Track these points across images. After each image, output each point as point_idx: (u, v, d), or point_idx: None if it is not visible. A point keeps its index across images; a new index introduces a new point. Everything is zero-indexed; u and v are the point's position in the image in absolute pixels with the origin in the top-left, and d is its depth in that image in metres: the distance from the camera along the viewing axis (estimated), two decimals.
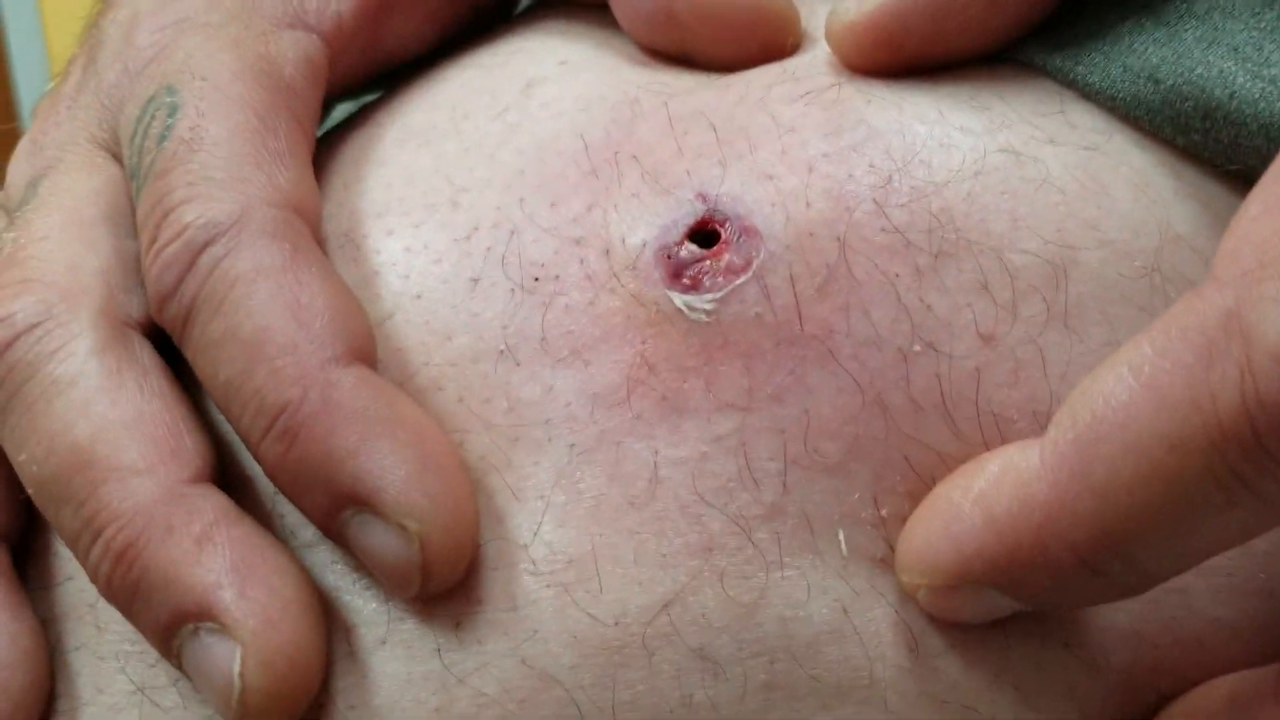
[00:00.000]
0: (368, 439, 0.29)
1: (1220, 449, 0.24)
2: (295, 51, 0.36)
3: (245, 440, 0.31)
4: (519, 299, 0.33)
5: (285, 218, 0.32)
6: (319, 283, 0.31)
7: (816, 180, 0.32)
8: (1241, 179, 0.31)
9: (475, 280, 0.33)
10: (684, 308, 0.31)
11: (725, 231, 0.32)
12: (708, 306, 0.31)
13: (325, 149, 0.39)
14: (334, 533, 0.30)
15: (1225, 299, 0.24)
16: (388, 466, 0.29)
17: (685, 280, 0.32)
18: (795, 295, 0.31)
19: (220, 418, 0.33)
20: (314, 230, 0.34)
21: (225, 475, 0.34)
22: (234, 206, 0.32)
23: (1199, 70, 0.31)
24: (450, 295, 0.34)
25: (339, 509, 0.30)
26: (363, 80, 0.42)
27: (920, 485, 0.30)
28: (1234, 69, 0.30)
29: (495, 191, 0.35)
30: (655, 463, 0.31)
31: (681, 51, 0.38)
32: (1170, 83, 0.31)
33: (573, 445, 0.31)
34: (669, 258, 0.32)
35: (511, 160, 0.35)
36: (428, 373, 0.33)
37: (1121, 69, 0.32)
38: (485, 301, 0.33)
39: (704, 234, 0.32)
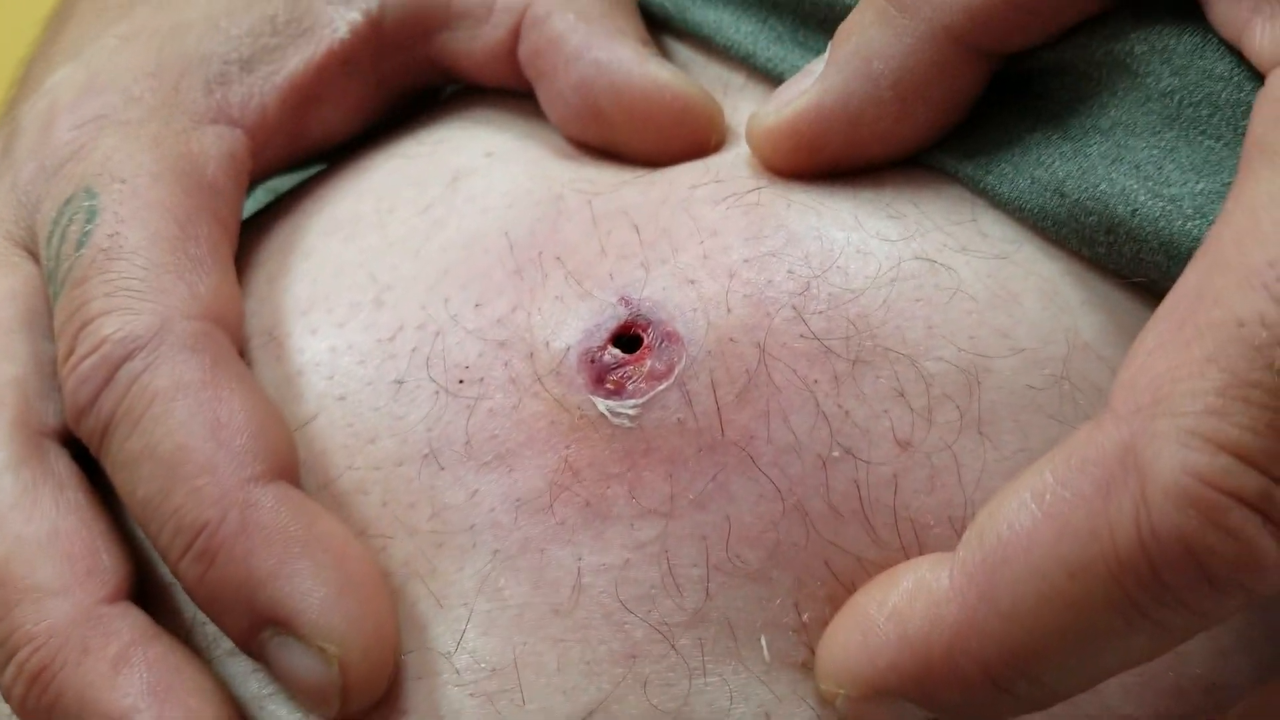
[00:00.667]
0: (286, 560, 0.29)
1: (1118, 578, 0.25)
2: (218, 148, 0.36)
3: (164, 557, 0.31)
4: (443, 402, 0.33)
5: (205, 330, 0.32)
6: (239, 398, 0.31)
7: (737, 286, 0.33)
8: (1146, 290, 0.32)
9: (399, 382, 0.33)
10: (607, 413, 0.32)
11: (648, 336, 0.32)
12: (631, 412, 0.32)
13: (249, 236, 0.39)
14: (253, 651, 0.30)
15: (1122, 433, 0.25)
16: (306, 589, 0.29)
17: (609, 385, 0.32)
18: (716, 401, 0.31)
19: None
20: (235, 339, 0.34)
21: (146, 582, 0.33)
22: (153, 319, 0.32)
23: (1103, 186, 0.32)
24: (374, 397, 0.33)
25: (258, 629, 0.29)
26: (286, 168, 0.42)
27: (840, 590, 0.31)
28: (1135, 187, 0.31)
29: (420, 290, 0.35)
30: (579, 569, 0.31)
31: (607, 145, 0.38)
32: (1075, 197, 0.32)
33: (497, 551, 0.31)
34: (592, 362, 0.32)
35: (437, 258, 0.35)
36: (351, 476, 0.33)
37: (1029, 181, 0.33)
38: (410, 404, 0.33)
39: (627, 338, 0.33)
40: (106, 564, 0.31)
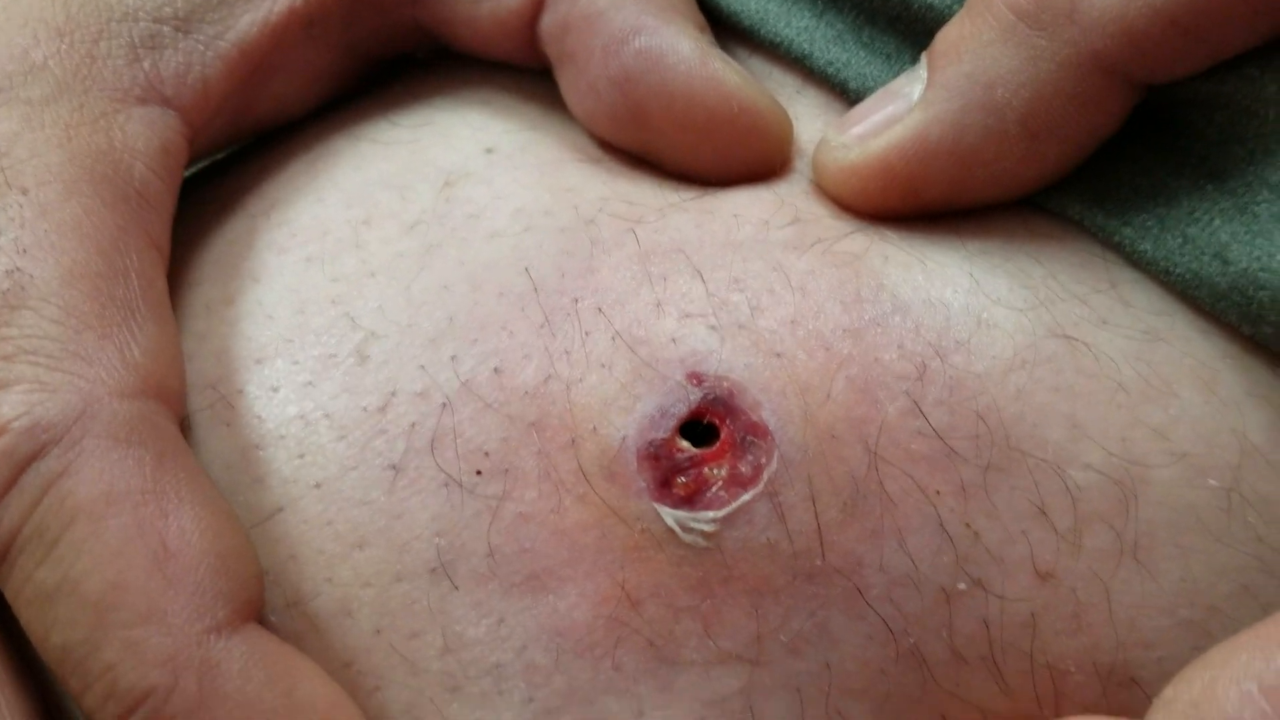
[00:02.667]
0: None
1: None
2: (147, 141, 0.27)
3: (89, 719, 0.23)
4: (456, 499, 0.25)
5: (143, 412, 0.24)
6: (192, 513, 0.23)
7: (837, 364, 0.26)
8: None
9: (395, 469, 0.26)
10: (677, 528, 0.25)
11: (727, 428, 0.25)
12: (708, 528, 0.25)
13: (176, 238, 0.30)
14: None
15: None
16: None
17: (678, 491, 0.25)
18: (816, 517, 0.25)
19: None
20: (179, 414, 0.26)
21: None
22: (72, 399, 0.23)
23: None
24: (361, 487, 0.26)
25: None
26: (223, 150, 0.33)
27: None
28: None
29: (417, 343, 0.27)
30: None
31: (645, 152, 0.31)
32: (1243, 265, 0.26)
33: (531, 700, 0.24)
34: (657, 459, 0.25)
35: (435, 299, 0.28)
36: (331, 594, 0.25)
37: (1180, 240, 0.27)
38: (410, 499, 0.26)
39: (699, 427, 0.26)
40: None
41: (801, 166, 0.31)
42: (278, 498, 0.26)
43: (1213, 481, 0.26)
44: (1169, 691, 0.22)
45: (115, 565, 0.23)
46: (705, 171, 0.30)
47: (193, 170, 0.35)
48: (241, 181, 0.33)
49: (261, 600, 0.24)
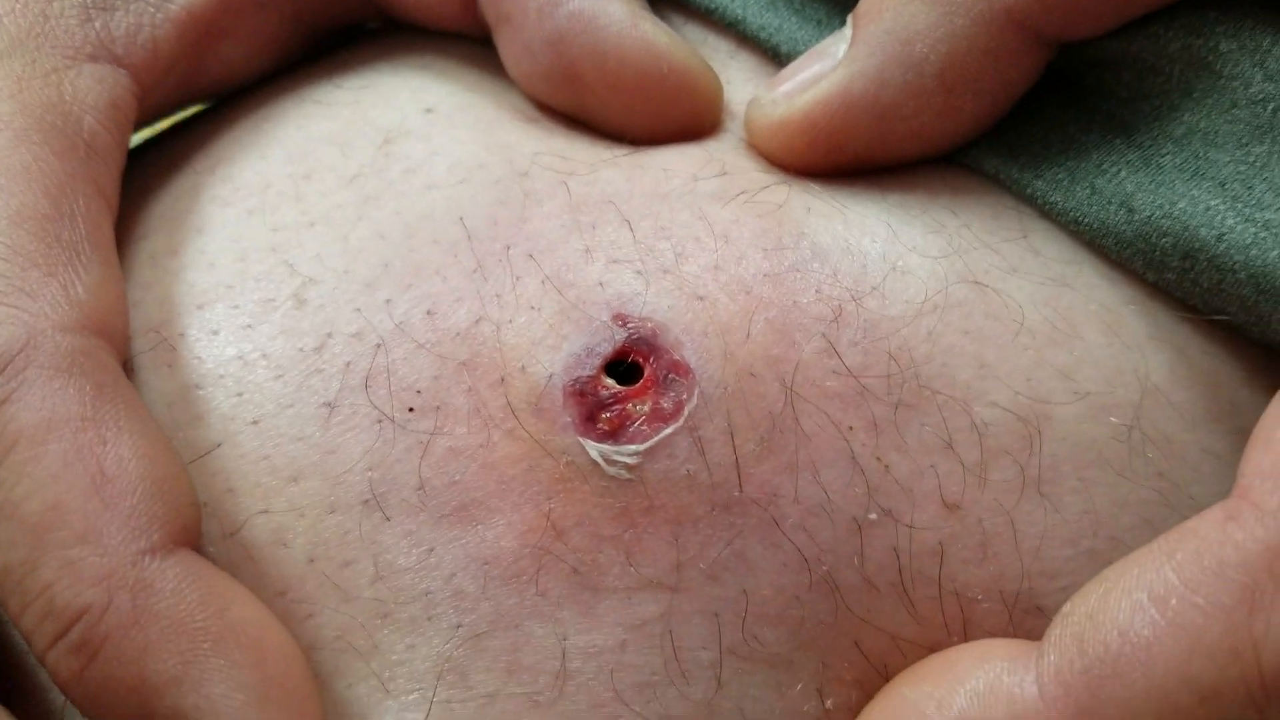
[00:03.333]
0: (194, 660, 0.23)
1: (1260, 704, 0.21)
2: (97, 96, 0.28)
3: (27, 640, 0.24)
4: (389, 435, 0.26)
5: (84, 347, 0.25)
6: (129, 440, 0.24)
7: (757, 306, 0.27)
8: (1219, 325, 0.28)
9: (330, 406, 0.27)
10: (601, 461, 0.26)
11: (650, 366, 0.27)
12: (630, 460, 0.26)
13: (124, 194, 0.31)
14: None
15: (1269, 533, 0.21)
16: (218, 696, 0.23)
17: (602, 426, 0.26)
18: (735, 450, 0.26)
19: None
20: (120, 354, 0.26)
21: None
22: (17, 331, 0.24)
23: (1181, 204, 0.27)
24: (297, 424, 0.27)
25: None
26: (172, 111, 0.34)
27: (871, 674, 0.26)
28: (1221, 207, 0.27)
29: (353, 288, 0.28)
30: (564, 651, 0.25)
31: (578, 113, 0.32)
32: (1147, 214, 0.28)
33: (459, 626, 0.25)
34: (582, 395, 0.26)
35: (372, 246, 0.29)
36: (266, 524, 0.26)
37: (1089, 190, 0.29)
38: (345, 435, 0.27)
39: (623, 366, 0.27)
40: None
41: (733, 128, 0.32)
42: (216, 434, 0.27)
43: (1114, 419, 0.27)
44: (1067, 606, 0.23)
45: (54, 488, 0.23)
46: (637, 131, 0.31)
47: (144, 138, 0.36)
48: (188, 141, 0.34)
49: (197, 528, 0.25)
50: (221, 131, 0.33)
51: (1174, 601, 0.21)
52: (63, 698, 0.26)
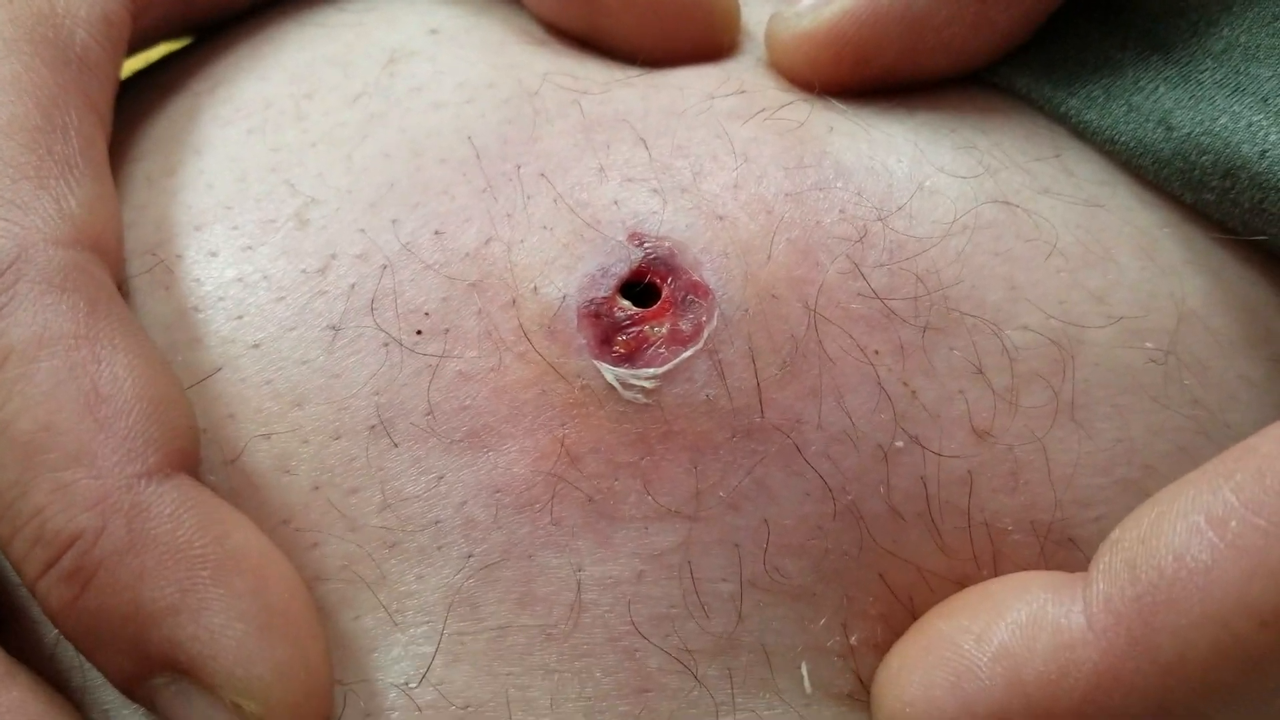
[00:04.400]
0: (191, 589, 0.22)
1: None
2: (89, 9, 0.27)
3: (17, 569, 0.23)
4: (396, 359, 0.25)
5: (78, 262, 0.24)
6: (125, 359, 0.23)
7: (778, 226, 0.26)
8: (1254, 248, 0.27)
9: (334, 329, 0.26)
10: (617, 384, 0.25)
11: (668, 287, 0.25)
12: (647, 384, 0.25)
13: (118, 120, 0.30)
14: (140, 698, 0.23)
15: None
16: (217, 627, 0.22)
17: (618, 349, 0.25)
18: (756, 374, 0.25)
19: None
20: (115, 271, 0.25)
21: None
22: (7, 244, 0.23)
23: (1222, 120, 0.26)
24: (301, 347, 0.26)
25: (148, 674, 0.22)
26: (168, 36, 0.33)
27: (897, 608, 0.25)
28: (1265, 123, 0.26)
29: (357, 208, 0.27)
30: (579, 583, 0.24)
31: (590, 33, 0.30)
32: (1186, 130, 0.26)
33: (470, 556, 0.24)
34: (597, 317, 0.25)
35: (376, 165, 0.28)
36: (268, 449, 0.25)
37: (1125, 108, 0.27)
38: (350, 359, 0.26)
39: (639, 288, 0.26)
40: None
41: (750, 49, 0.31)
42: (216, 357, 0.26)
43: (1149, 344, 0.26)
44: (1116, 533, 0.22)
45: (46, 407, 0.22)
46: (651, 50, 0.30)
47: (137, 70, 0.34)
48: (185, 66, 0.32)
49: (196, 453, 0.24)
50: (219, 55, 0.32)
51: (1233, 523, 0.20)
52: (55, 631, 0.25)
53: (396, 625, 0.24)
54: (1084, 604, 0.22)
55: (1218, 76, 0.27)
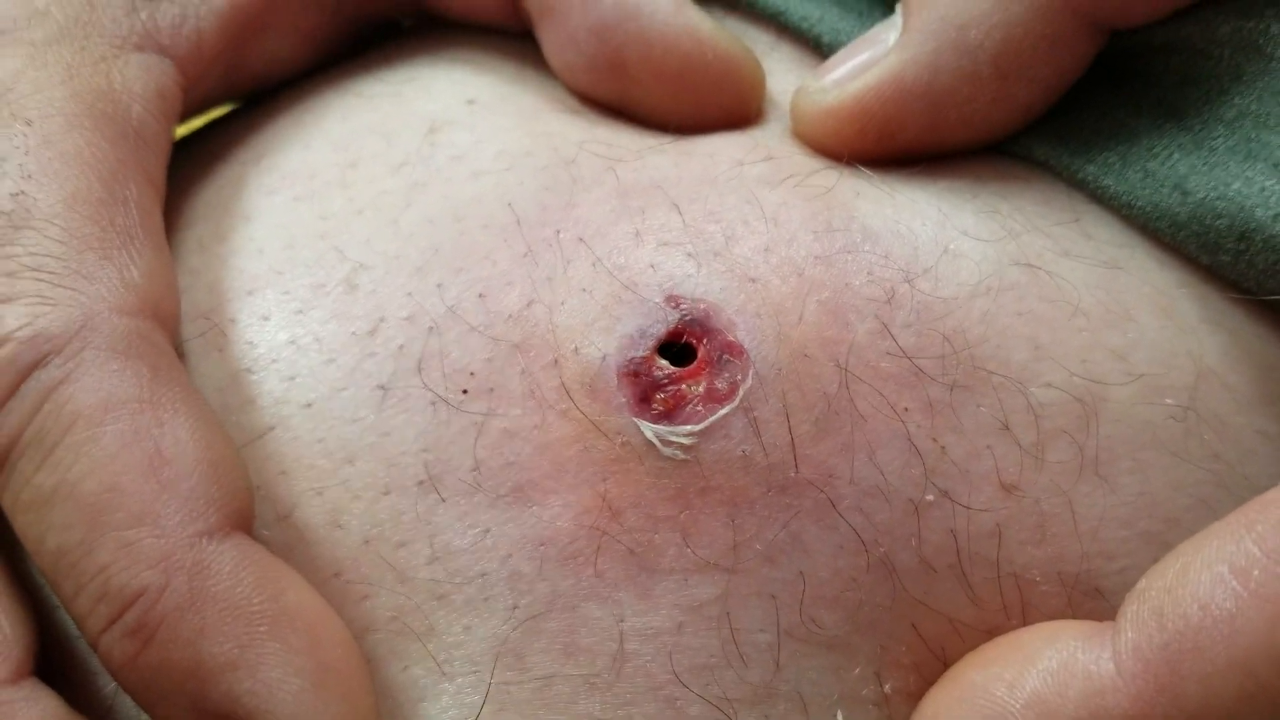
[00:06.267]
0: (250, 644, 0.23)
1: None
2: (145, 85, 0.28)
3: (80, 626, 0.24)
4: (443, 417, 0.26)
5: (140, 329, 0.25)
6: (186, 423, 0.24)
7: (809, 288, 0.27)
8: (1271, 308, 0.28)
9: (384, 389, 0.27)
10: (656, 441, 0.26)
11: (703, 348, 0.26)
12: (685, 440, 0.26)
13: (171, 184, 0.31)
14: None
15: None
16: (274, 681, 0.23)
17: (656, 407, 0.26)
18: (790, 431, 0.26)
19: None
20: (174, 338, 0.26)
21: (53, 647, 0.26)
22: (73, 313, 0.24)
23: (1236, 185, 0.27)
24: (351, 407, 0.27)
25: None
26: (217, 104, 0.35)
27: (929, 657, 0.26)
28: (1277, 188, 0.27)
29: (404, 273, 0.28)
30: (621, 633, 0.25)
31: (623, 104, 0.32)
32: (1201, 195, 0.28)
33: (516, 608, 0.25)
34: (636, 376, 0.26)
35: (421, 231, 0.29)
36: (320, 505, 0.26)
37: (1141, 174, 0.29)
38: (398, 416, 0.27)
39: (676, 348, 0.27)
40: (8, 633, 0.24)
41: (776, 117, 0.32)
42: (269, 418, 0.27)
43: (1169, 400, 0.27)
44: (1142, 583, 0.23)
45: (111, 469, 0.23)
46: (681, 120, 0.31)
47: (187, 131, 0.36)
48: (230, 134, 0.34)
49: (251, 511, 0.25)
50: (263, 124, 0.34)
51: (1256, 573, 0.21)
52: (111, 684, 0.26)
53: (445, 675, 0.25)
54: (1113, 651, 0.22)
55: (1230, 143, 0.28)
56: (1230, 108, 0.28)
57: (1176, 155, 0.28)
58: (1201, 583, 0.22)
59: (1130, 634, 0.22)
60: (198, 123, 0.37)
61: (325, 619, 0.24)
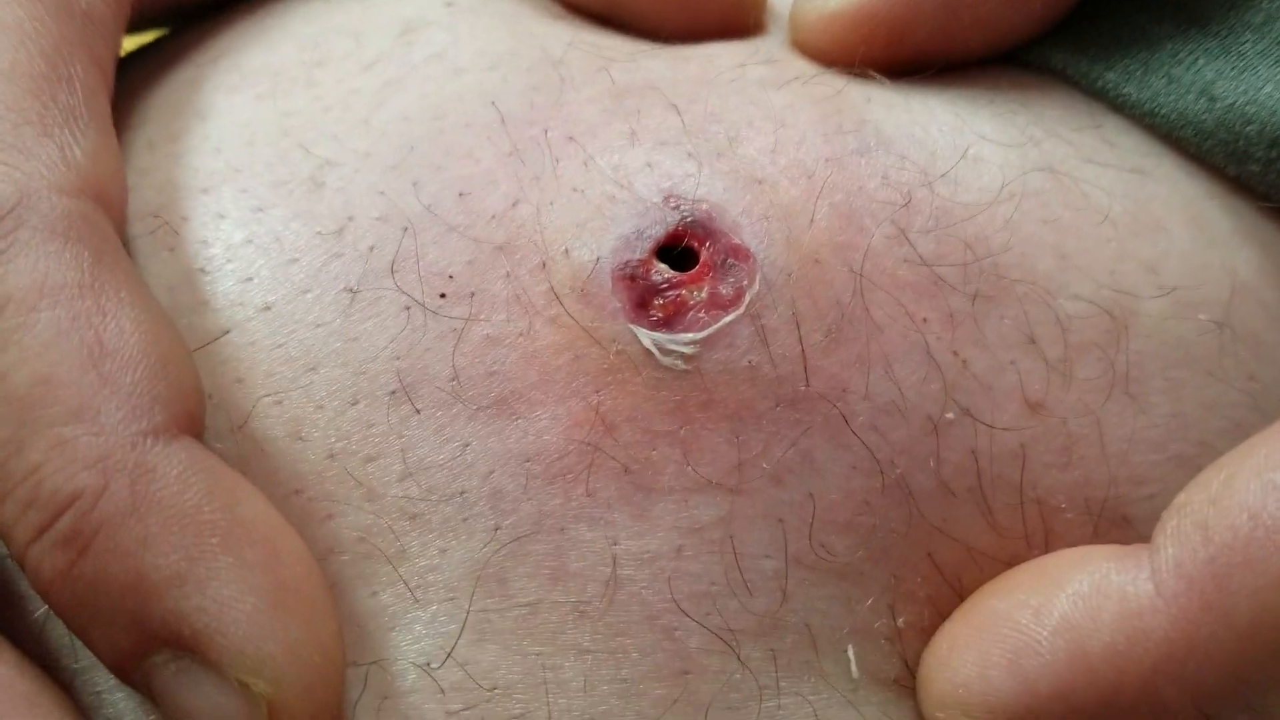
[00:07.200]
0: (200, 557, 0.20)
1: None
2: None
3: (5, 538, 0.21)
4: (418, 322, 0.24)
5: (83, 211, 0.22)
6: (131, 313, 0.21)
7: (820, 190, 0.25)
8: None
9: (352, 291, 0.24)
10: (655, 349, 0.23)
11: (706, 250, 0.24)
12: (686, 350, 0.23)
13: (119, 91, 0.29)
14: (137, 680, 0.21)
15: None
16: (226, 599, 0.20)
17: (655, 313, 0.24)
18: (801, 341, 0.24)
19: None
20: (120, 226, 0.24)
21: None
22: (8, 190, 0.22)
23: (1267, 89, 0.26)
24: (315, 309, 0.24)
25: (148, 651, 0.20)
26: (175, 8, 0.32)
27: (945, 590, 0.24)
28: None
29: (376, 170, 0.26)
30: (614, 557, 0.23)
31: (613, 10, 0.29)
32: (1229, 100, 0.26)
33: (498, 529, 0.23)
34: (633, 280, 0.24)
35: (396, 129, 0.26)
36: (280, 415, 0.24)
37: (1165, 80, 0.27)
38: (368, 321, 0.24)
39: (676, 251, 0.24)
40: None
41: (777, 28, 0.30)
42: (224, 320, 0.24)
43: (1203, 316, 0.25)
44: (1181, 497, 0.21)
45: (46, 359, 0.21)
46: (675, 27, 0.29)
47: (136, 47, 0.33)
48: (185, 40, 0.31)
49: (202, 417, 0.23)
50: (221, 28, 0.31)
51: None
52: (41, 608, 0.23)
53: (418, 602, 0.23)
54: (1151, 570, 0.21)
55: (1260, 47, 0.26)
56: (1257, 12, 0.27)
57: (1202, 60, 0.27)
58: (1251, 491, 0.20)
59: (1171, 549, 0.20)
60: (148, 38, 0.34)
61: (284, 535, 0.22)
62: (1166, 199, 0.26)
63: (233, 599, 0.21)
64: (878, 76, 0.27)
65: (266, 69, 0.28)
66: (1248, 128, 0.26)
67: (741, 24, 0.30)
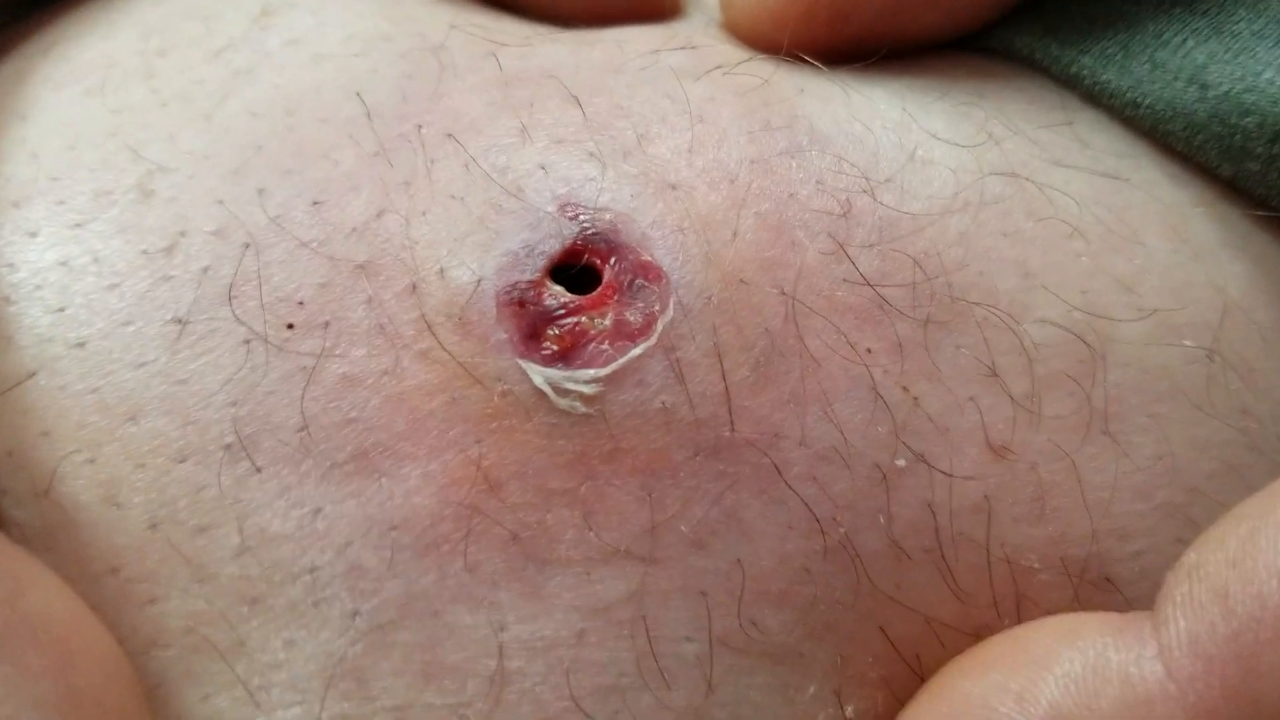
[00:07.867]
0: None
1: None
2: None
3: None
4: (259, 359, 0.20)
5: None
6: None
7: (745, 197, 0.21)
8: None
9: (180, 323, 0.20)
10: (548, 389, 0.19)
11: (610, 269, 0.20)
12: (587, 389, 0.19)
13: None
14: None
15: None
16: (4, 717, 0.16)
17: (548, 345, 0.20)
18: (724, 378, 0.20)
19: None
20: None
21: None
22: None
23: (1268, 75, 0.22)
24: (136, 346, 0.20)
25: None
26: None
27: (900, 668, 0.20)
28: None
29: (214, 175, 0.21)
30: (500, 646, 0.19)
31: None
32: (1224, 88, 0.22)
33: (357, 615, 0.19)
34: (522, 305, 0.20)
35: (240, 126, 0.22)
36: (93, 476, 0.19)
37: (1149, 65, 0.23)
38: (199, 359, 0.20)
39: (572, 271, 0.20)
40: None
41: (697, 10, 0.26)
42: (29, 360, 0.20)
43: (1189, 342, 0.22)
44: (1191, 556, 0.18)
45: None
46: (578, 6, 0.25)
47: None
48: (19, 30, 0.27)
49: None
50: (59, 17, 0.26)
51: None
52: None
53: (259, 706, 0.18)
54: (1159, 648, 0.17)
55: (1255, 26, 0.23)
56: None
57: (1191, 42, 0.23)
58: (1273, 553, 0.16)
59: (1184, 622, 0.17)
60: None
61: (82, 631, 0.17)
62: (1144, 207, 0.23)
63: (11, 715, 0.16)
64: (814, 63, 0.24)
65: (100, 60, 0.24)
66: (1245, 119, 0.22)
67: (656, 5, 0.26)
